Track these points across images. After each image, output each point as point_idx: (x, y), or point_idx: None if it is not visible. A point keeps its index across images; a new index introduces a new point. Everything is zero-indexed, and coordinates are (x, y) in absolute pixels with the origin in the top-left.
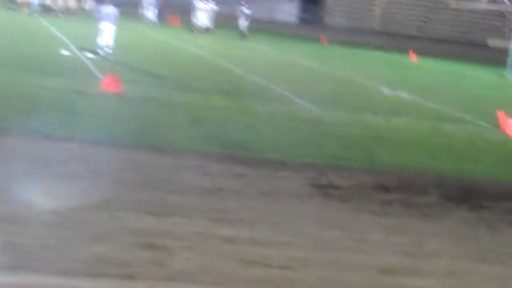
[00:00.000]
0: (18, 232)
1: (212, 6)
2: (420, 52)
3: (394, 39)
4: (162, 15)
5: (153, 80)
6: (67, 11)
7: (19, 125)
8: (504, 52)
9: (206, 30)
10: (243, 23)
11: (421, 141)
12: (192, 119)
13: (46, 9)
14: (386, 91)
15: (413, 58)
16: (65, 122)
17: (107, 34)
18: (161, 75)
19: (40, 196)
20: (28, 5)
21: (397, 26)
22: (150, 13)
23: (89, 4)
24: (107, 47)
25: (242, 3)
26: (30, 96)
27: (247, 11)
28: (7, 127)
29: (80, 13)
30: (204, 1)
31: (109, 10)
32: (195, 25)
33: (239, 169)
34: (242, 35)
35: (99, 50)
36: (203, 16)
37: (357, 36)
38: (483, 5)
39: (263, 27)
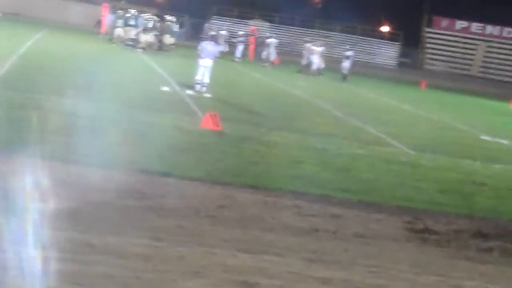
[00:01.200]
0: (114, 264)
1: (323, 48)
2: None
3: (493, 85)
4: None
5: (252, 118)
6: (160, 47)
7: (120, 160)
8: None
9: (319, 72)
10: (345, 65)
11: None
12: (290, 159)
13: (137, 45)
14: (485, 137)
15: None
16: (164, 158)
17: (206, 70)
18: (260, 114)
19: (136, 230)
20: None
21: (497, 72)
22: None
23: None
24: (206, 83)
25: (347, 46)
26: (132, 132)
27: (350, 53)
28: (109, 162)
29: (173, 48)
30: (317, 44)
31: (209, 46)
32: (309, 67)
33: (335, 210)
34: (344, 77)
35: (198, 87)
36: (317, 58)
37: (456, 82)
38: None
39: (363, 70)
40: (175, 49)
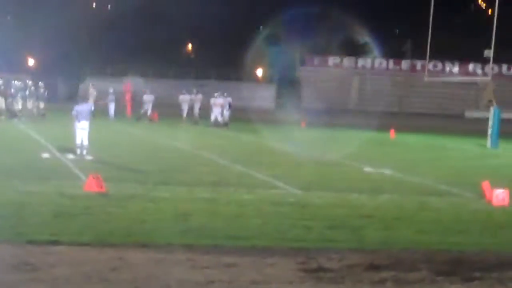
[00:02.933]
0: None
1: (227, 99)
2: (398, 128)
3: (371, 117)
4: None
5: (136, 176)
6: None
7: (4, 232)
8: (481, 122)
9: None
10: (226, 112)
11: (408, 217)
12: (178, 213)
13: (13, 114)
14: (368, 169)
15: (392, 134)
16: (51, 226)
17: (84, 132)
18: (144, 170)
19: None
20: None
21: (373, 104)
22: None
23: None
24: (86, 146)
25: (225, 94)
26: (14, 203)
27: (228, 99)
28: None
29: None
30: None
31: (83, 107)
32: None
33: (229, 259)
34: (225, 125)
35: (78, 150)
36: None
37: (334, 117)
38: (456, 78)
39: (241, 115)
40: (47, 114)
